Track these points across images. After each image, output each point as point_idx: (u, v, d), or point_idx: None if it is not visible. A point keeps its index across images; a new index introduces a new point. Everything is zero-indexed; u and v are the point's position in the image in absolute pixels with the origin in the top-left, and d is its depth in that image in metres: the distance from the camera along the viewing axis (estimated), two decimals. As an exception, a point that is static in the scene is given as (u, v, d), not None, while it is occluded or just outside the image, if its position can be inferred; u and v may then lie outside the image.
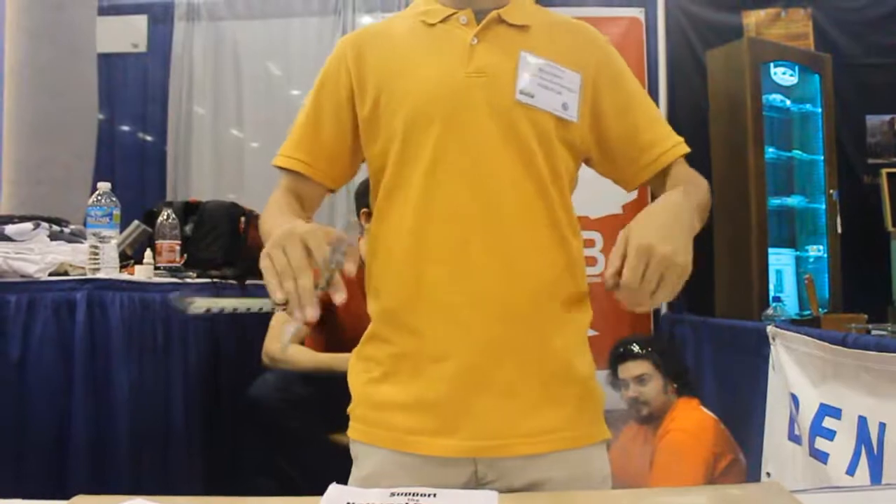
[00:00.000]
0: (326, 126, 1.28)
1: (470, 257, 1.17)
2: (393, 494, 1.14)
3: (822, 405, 2.12)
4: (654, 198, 1.29)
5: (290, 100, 4.50)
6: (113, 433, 1.87)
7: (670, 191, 1.16)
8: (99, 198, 2.06)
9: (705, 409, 2.74)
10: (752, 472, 2.58)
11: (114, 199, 2.07)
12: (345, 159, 1.29)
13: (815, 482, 2.13)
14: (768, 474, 2.48)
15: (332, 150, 1.29)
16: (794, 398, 2.28)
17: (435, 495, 1.14)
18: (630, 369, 2.80)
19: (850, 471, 1.94)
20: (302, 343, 2.65)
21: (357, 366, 1.30)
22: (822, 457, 2.08)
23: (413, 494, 1.14)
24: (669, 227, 1.00)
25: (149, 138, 4.52)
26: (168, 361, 2.12)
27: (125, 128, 4.50)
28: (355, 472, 1.26)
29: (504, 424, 1.18)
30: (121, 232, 2.32)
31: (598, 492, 1.19)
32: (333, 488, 1.17)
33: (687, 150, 1.30)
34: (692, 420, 2.68)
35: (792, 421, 2.33)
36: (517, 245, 1.19)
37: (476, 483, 1.21)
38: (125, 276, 2.13)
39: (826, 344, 2.10)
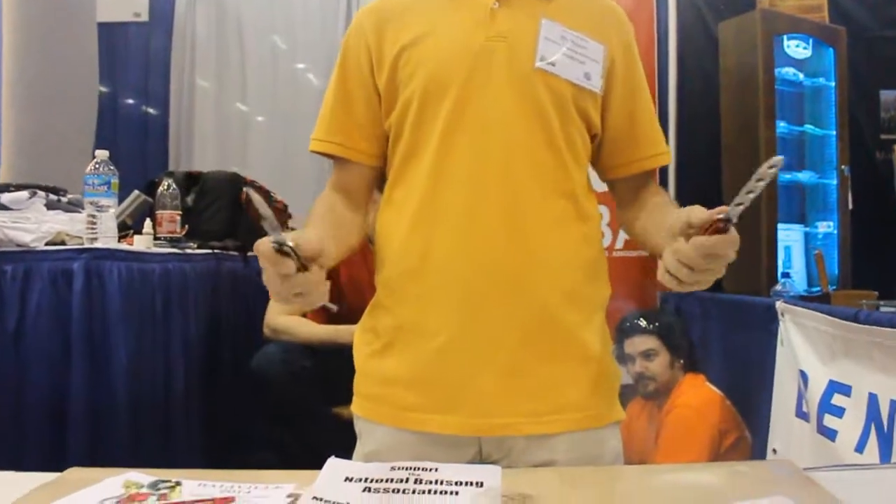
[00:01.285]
0: (356, 103, 1.23)
1: (481, 225, 1.13)
2: (393, 468, 1.11)
3: (831, 382, 2.09)
4: (617, 198, 1.29)
5: (295, 73, 4.45)
6: (111, 405, 1.85)
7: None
8: (97, 166, 2.02)
9: (711, 386, 2.71)
10: (758, 450, 2.55)
11: (112, 167, 2.03)
12: (382, 135, 1.24)
13: (822, 460, 2.09)
14: (774, 451, 2.45)
15: (366, 127, 1.23)
16: (803, 375, 2.24)
17: (437, 469, 1.11)
18: (636, 344, 2.76)
19: (859, 448, 1.91)
20: (304, 315, 2.63)
21: (360, 337, 1.27)
22: (830, 434, 2.05)
23: (414, 469, 1.11)
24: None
25: (151, 110, 4.47)
26: (168, 333, 2.09)
27: (127, 100, 4.45)
28: (359, 449, 1.24)
29: (510, 402, 1.14)
30: (120, 202, 2.29)
31: (605, 468, 1.16)
32: (332, 462, 1.14)
33: (669, 160, 1.29)
34: (698, 396, 2.66)
35: (800, 398, 2.29)
36: (531, 214, 1.15)
37: (481, 462, 1.18)
38: (124, 245, 2.09)
39: (837, 320, 2.05)
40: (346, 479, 1.07)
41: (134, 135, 4.38)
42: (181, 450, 2.19)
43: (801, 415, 2.27)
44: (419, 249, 1.16)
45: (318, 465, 1.10)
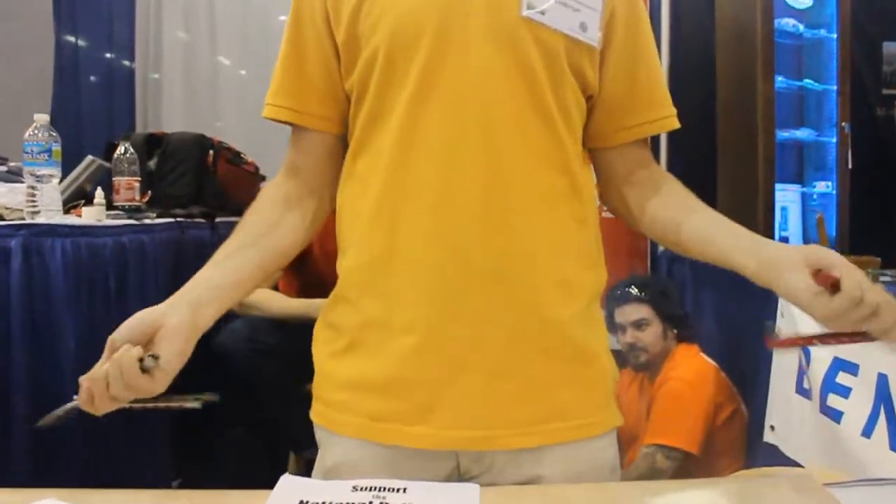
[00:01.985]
0: (311, 62, 1.05)
1: (457, 204, 0.97)
2: (355, 489, 0.97)
3: (836, 359, 1.96)
4: (605, 172, 1.12)
5: (271, 26, 4.20)
6: (60, 392, 1.68)
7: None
8: (36, 131, 1.81)
9: (706, 357, 2.59)
10: (754, 425, 2.44)
11: (53, 133, 1.82)
12: (342, 98, 1.06)
13: (825, 441, 1.98)
14: (772, 427, 2.34)
15: (323, 90, 1.05)
16: (805, 350, 2.11)
17: (405, 490, 0.96)
18: (628, 313, 2.63)
19: (867, 432, 1.79)
20: (275, 287, 2.47)
21: (321, 334, 1.11)
22: (834, 415, 1.93)
23: (379, 490, 0.96)
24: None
25: (116, 63, 4.22)
26: (124, 313, 1.89)
27: (90, 52, 4.17)
28: (319, 463, 1.09)
29: (491, 411, 0.99)
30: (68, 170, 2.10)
31: (596, 485, 1.01)
32: (285, 481, 0.99)
33: (677, 125, 1.11)
34: (692, 369, 2.54)
35: (801, 373, 2.17)
36: (516, 191, 0.98)
37: (458, 478, 1.03)
38: (71, 219, 1.91)
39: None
40: (301, 503, 0.92)
41: (98, 90, 4.13)
42: (146, 433, 2.04)
43: (802, 391, 2.15)
44: (385, 233, 1.00)
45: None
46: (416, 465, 1.00)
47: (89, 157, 2.32)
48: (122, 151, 2.37)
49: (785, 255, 0.92)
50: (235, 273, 1.01)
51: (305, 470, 2.41)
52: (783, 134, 3.28)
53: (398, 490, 0.96)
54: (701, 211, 1.07)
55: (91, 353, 1.77)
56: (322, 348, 1.09)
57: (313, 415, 1.09)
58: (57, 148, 1.81)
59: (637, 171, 1.11)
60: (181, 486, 2.31)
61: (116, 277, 1.91)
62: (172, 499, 0.96)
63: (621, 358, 2.71)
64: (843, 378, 1.92)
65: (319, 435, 1.08)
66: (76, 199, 2.21)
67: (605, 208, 1.18)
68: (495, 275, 0.98)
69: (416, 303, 0.99)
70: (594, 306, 1.08)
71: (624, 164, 1.11)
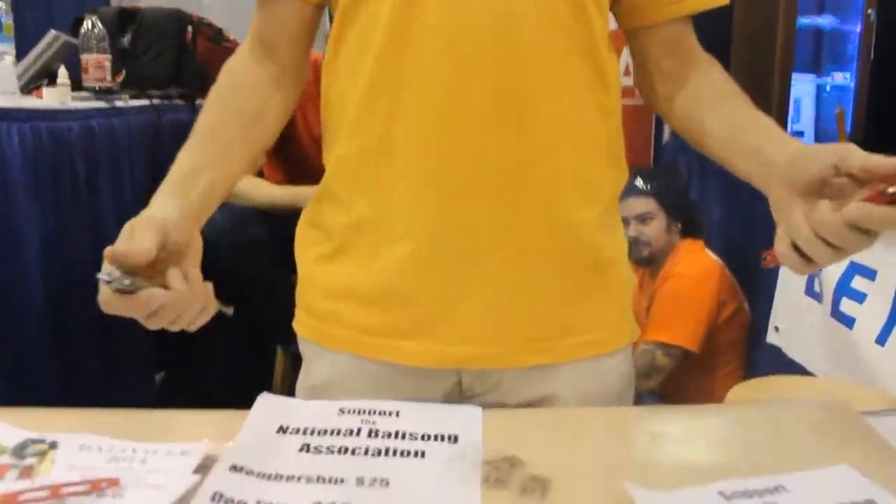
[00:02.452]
0: None
1: (464, 90, 0.83)
2: (343, 412, 0.87)
3: (852, 263, 1.86)
4: (640, 57, 0.95)
5: None
6: (24, 299, 1.56)
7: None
8: (-18, 3, 1.63)
9: (710, 253, 2.50)
10: (758, 325, 2.37)
11: (1, 4, 1.63)
12: None
13: (834, 347, 1.91)
14: (776, 329, 2.27)
15: None
16: (818, 252, 2.00)
17: (398, 414, 0.86)
18: (632, 206, 2.50)
19: (881, 340, 1.71)
20: (259, 174, 2.33)
21: (305, 234, 0.99)
22: (846, 320, 1.85)
23: (369, 412, 0.86)
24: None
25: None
26: (95, 206, 1.76)
27: None
28: (303, 379, 0.98)
29: (500, 325, 0.88)
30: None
31: (612, 410, 0.92)
32: (262, 403, 0.89)
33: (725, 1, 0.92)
34: (696, 265, 2.45)
35: (812, 275, 2.07)
36: (533, 75, 0.84)
37: (459, 397, 0.93)
38: (30, 101, 1.74)
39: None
40: (280, 429, 0.82)
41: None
42: (124, 338, 1.94)
43: (812, 294, 2.07)
44: (381, 120, 0.86)
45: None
46: (411, 383, 0.91)
47: (52, 33, 2.11)
48: (90, 26, 2.16)
49: (795, 167, 0.73)
50: (229, 169, 0.88)
51: (292, 367, 2.35)
52: (803, 20, 3.10)
53: (389, 413, 0.86)
54: (721, 99, 0.91)
55: (59, 250, 1.65)
56: (307, 251, 0.97)
57: (297, 325, 0.99)
58: (8, 22, 1.62)
59: (673, 57, 0.95)
60: (164, 382, 2.25)
61: (85, 167, 1.75)
62: (145, 418, 0.86)
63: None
64: (858, 283, 1.82)
65: (303, 349, 0.98)
66: (41, 78, 2.02)
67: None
68: (508, 172, 0.85)
69: (416, 204, 0.86)
70: (613, 209, 0.96)
71: (660, 47, 0.94)
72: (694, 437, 0.82)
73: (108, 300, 0.71)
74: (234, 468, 0.72)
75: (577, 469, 0.73)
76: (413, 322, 0.89)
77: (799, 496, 0.67)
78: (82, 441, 0.76)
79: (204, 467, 0.71)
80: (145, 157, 2.10)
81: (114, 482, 0.68)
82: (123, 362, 2.00)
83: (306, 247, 0.98)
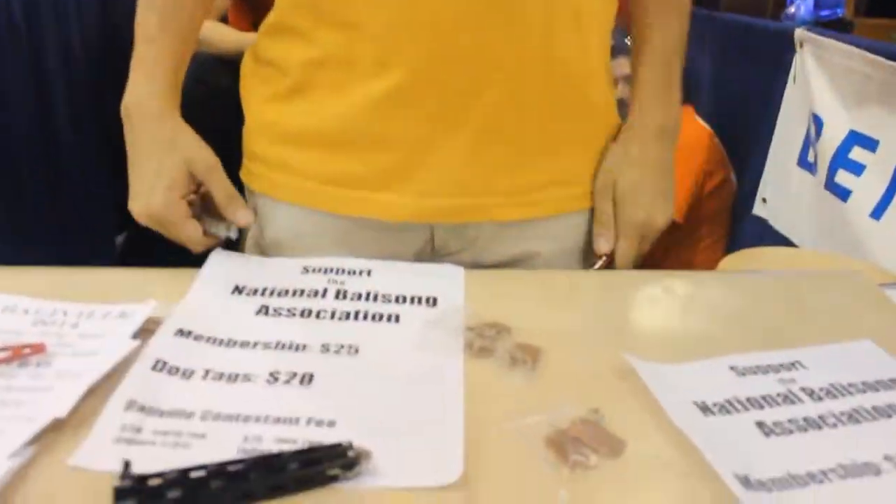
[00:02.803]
0: None
1: None
2: (307, 270, 0.78)
3: (852, 132, 1.76)
4: None
5: None
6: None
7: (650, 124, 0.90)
8: None
9: (700, 120, 2.39)
10: (745, 196, 2.29)
11: None
12: None
13: (825, 219, 1.84)
14: (764, 200, 2.19)
15: None
16: (817, 119, 1.90)
17: (369, 273, 0.77)
18: (622, 66, 2.36)
19: (876, 214, 1.64)
20: (224, 20, 2.15)
21: (253, 72, 0.86)
22: (841, 193, 1.77)
23: (336, 271, 0.77)
24: (664, 192, 0.91)
25: None
26: (38, 49, 1.58)
27: None
28: (252, 237, 0.88)
29: (481, 175, 0.79)
30: None
31: (603, 272, 0.84)
32: (217, 257, 0.79)
33: None
34: (684, 133, 2.32)
35: (807, 145, 1.98)
36: None
37: (431, 255, 0.84)
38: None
39: (876, 57, 1.67)
40: (236, 289, 0.73)
41: None
42: (75, 200, 1.81)
43: (806, 165, 1.98)
44: None
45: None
46: (379, 239, 0.81)
47: None
48: None
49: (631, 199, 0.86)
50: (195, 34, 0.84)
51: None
52: None
53: (360, 272, 0.76)
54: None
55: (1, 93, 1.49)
56: (256, 90, 0.85)
57: (244, 175, 0.87)
58: None
59: None
60: (125, 242, 2.14)
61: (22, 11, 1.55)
62: (82, 276, 0.77)
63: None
64: (857, 154, 1.73)
65: (253, 203, 0.86)
66: None
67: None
68: (501, 2, 0.73)
69: (393, 34, 0.74)
70: (604, 44, 0.84)
71: None
72: (698, 306, 0.74)
73: (202, 241, 0.76)
74: (181, 332, 0.63)
75: (570, 338, 0.65)
76: (384, 170, 0.78)
77: (818, 374, 0.60)
78: (5, 302, 0.66)
79: (146, 331, 0.62)
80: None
81: (39, 348, 0.59)
82: (79, 223, 1.87)
83: (255, 85, 0.85)
